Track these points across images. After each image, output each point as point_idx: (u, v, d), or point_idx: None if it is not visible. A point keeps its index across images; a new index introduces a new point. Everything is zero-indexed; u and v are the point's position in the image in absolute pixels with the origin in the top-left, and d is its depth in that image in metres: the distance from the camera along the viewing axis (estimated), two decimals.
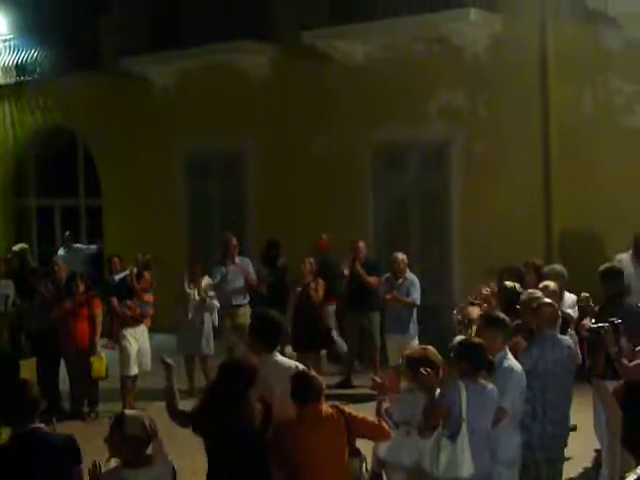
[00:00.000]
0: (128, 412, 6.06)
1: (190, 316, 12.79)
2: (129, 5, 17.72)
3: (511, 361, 7.03)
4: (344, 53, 15.31)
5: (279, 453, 6.07)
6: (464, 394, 6.43)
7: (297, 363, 6.82)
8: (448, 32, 14.17)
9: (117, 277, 12.68)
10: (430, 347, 7.16)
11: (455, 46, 14.29)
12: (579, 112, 13.55)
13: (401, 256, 12.35)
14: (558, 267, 10.47)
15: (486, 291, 10.26)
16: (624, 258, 12.03)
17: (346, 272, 13.07)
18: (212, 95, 16.78)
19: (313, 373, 6.35)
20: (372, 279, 12.89)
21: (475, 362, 6.60)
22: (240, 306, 13.33)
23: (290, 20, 15.65)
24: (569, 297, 9.99)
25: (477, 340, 6.91)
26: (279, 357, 6.89)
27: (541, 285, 9.39)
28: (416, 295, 12.20)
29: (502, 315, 7.43)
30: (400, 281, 12.26)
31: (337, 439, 6.13)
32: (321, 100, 15.64)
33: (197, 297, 12.83)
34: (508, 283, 9.55)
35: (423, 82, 14.46)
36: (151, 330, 12.75)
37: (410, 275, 12.32)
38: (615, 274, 9.29)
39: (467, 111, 14.38)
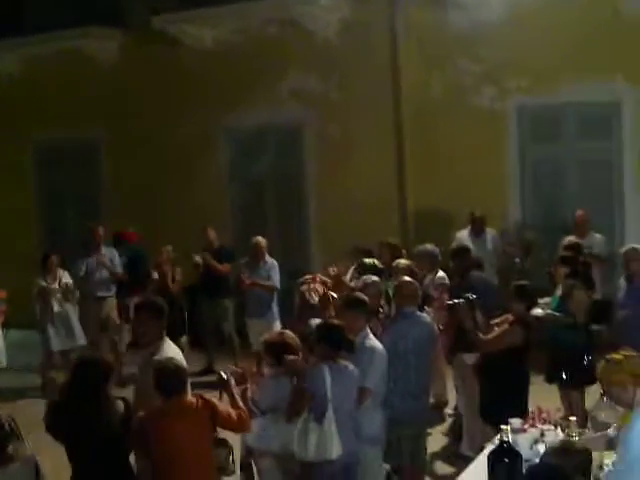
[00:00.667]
0: None
1: (55, 310, 12.44)
2: None
3: (372, 341, 7.12)
4: (195, 38, 15.14)
5: (144, 446, 5.99)
6: (328, 376, 6.46)
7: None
8: (299, 15, 14.18)
9: None
10: (287, 331, 7.20)
11: (307, 29, 14.32)
12: (429, 94, 13.79)
13: (261, 240, 12.30)
14: (429, 246, 10.60)
15: (333, 271, 10.47)
16: (463, 235, 12.40)
17: (198, 260, 12.94)
18: (61, 83, 16.35)
19: (178, 364, 6.28)
20: (223, 266, 12.85)
21: (335, 343, 6.65)
22: (106, 298, 13.08)
23: (139, 5, 15.39)
24: (442, 276, 10.19)
25: (336, 321, 6.95)
26: None
27: (393, 263, 9.59)
28: (276, 278, 12.16)
29: (362, 296, 7.50)
30: (260, 265, 12.22)
31: (201, 430, 6.08)
32: (173, 86, 15.43)
33: (58, 290, 12.48)
34: (367, 260, 9.66)
35: (276, 65, 14.43)
36: (5, 326, 12.41)
37: (270, 259, 12.29)
38: (464, 251, 9.59)
39: (320, 94, 14.44)
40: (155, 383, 6.04)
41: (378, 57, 14.00)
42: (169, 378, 6.04)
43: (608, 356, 5.28)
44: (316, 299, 8.94)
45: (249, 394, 6.76)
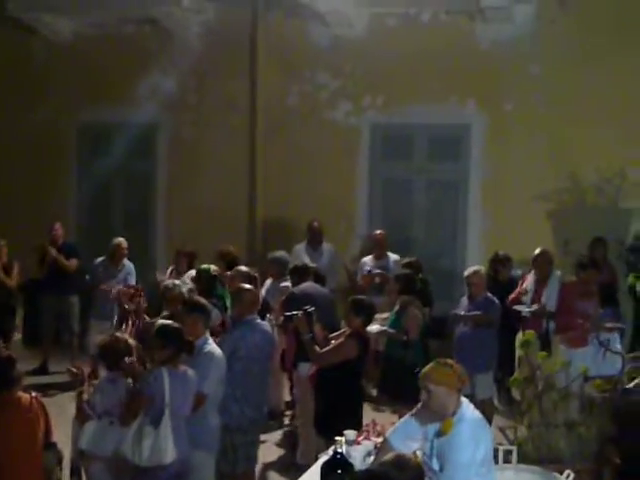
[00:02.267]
0: None
1: None
2: None
3: (211, 346, 7.11)
4: (51, 28, 14.76)
5: None
6: (167, 380, 6.40)
7: None
8: (160, 15, 14.02)
9: None
10: (119, 334, 7.16)
11: (167, 30, 14.18)
12: (286, 103, 13.90)
13: (122, 242, 12.06)
14: (280, 254, 10.94)
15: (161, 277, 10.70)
16: (299, 248, 12.50)
17: (52, 251, 12.58)
18: None
19: (11, 359, 6.12)
20: (70, 262, 12.55)
21: (175, 347, 6.60)
22: None
23: None
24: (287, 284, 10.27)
25: (176, 324, 6.90)
26: None
27: (232, 270, 9.67)
28: (133, 282, 11.76)
29: (203, 300, 7.50)
30: (119, 267, 11.98)
31: (31, 430, 5.97)
32: (27, 75, 15.01)
33: None
34: (204, 266, 9.67)
35: (133, 64, 14.20)
36: None
37: (127, 262, 12.05)
38: (304, 268, 9.75)
39: (176, 96, 14.32)
40: None
41: (237, 63, 14.01)
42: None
43: (439, 359, 5.40)
44: (132, 306, 9.14)
45: (85, 397, 6.64)
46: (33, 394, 6.24)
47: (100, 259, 12.14)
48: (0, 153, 15.18)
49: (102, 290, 11.66)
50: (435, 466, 5.27)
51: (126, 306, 9.33)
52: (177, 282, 9.00)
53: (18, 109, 15.02)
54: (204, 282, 9.27)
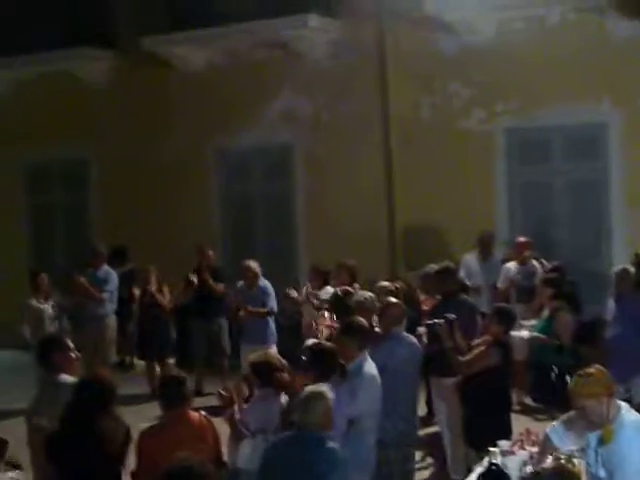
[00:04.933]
0: None
1: (46, 329, 12.30)
2: None
3: (367, 366, 7.08)
4: (184, 60, 15.21)
5: (144, 458, 6.02)
6: None
7: None
8: (288, 38, 14.27)
9: None
10: (270, 351, 7.24)
11: (296, 51, 14.40)
12: (418, 116, 13.89)
13: (252, 264, 12.07)
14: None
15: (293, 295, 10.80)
16: (469, 258, 12.42)
17: (193, 278, 12.90)
18: (52, 104, 16.35)
19: (182, 377, 6.32)
20: (219, 286, 12.81)
21: (327, 367, 6.64)
22: (105, 316, 13.10)
23: (129, 26, 15.44)
24: None
25: (329, 345, 6.95)
26: None
27: (378, 285, 9.65)
28: (272, 303, 11.97)
29: (359, 321, 7.47)
30: (254, 290, 12.01)
31: (200, 446, 6.08)
32: (163, 107, 15.47)
33: (49, 310, 12.44)
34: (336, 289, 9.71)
35: (265, 88, 14.46)
36: None
37: (263, 282, 12.05)
38: (451, 272, 9.59)
39: (309, 116, 14.51)
40: (158, 395, 6.14)
41: (367, 79, 14.09)
42: (172, 390, 6.08)
43: (580, 371, 5.32)
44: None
45: (237, 416, 6.76)
46: (203, 413, 6.39)
47: (239, 284, 12.27)
48: (142, 181, 15.72)
49: (241, 316, 11.91)
50: (602, 474, 5.18)
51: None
52: (370, 295, 8.91)
53: (157, 138, 15.48)
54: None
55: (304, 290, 11.93)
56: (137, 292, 13.42)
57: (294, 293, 11.77)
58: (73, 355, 6.89)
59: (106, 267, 13.32)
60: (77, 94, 16.22)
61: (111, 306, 13.22)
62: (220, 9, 14.43)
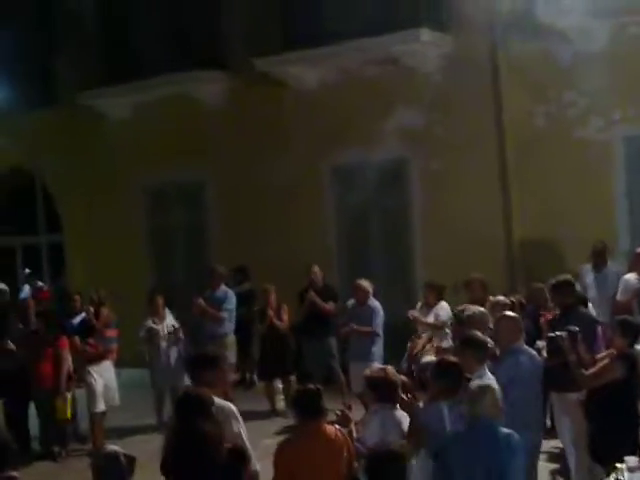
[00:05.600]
0: (105, 448, 5.99)
1: (160, 349, 12.66)
2: (83, 40, 17.68)
3: (490, 380, 7.03)
4: (297, 79, 15.38)
5: (281, 469, 6.14)
6: (446, 413, 6.45)
7: None
8: (400, 53, 14.29)
9: (78, 316, 12.57)
10: (389, 367, 7.23)
11: (408, 66, 14.40)
12: (533, 125, 13.73)
13: (364, 283, 12.15)
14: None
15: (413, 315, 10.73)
16: (586, 268, 12.22)
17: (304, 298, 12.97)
18: (169, 126, 16.75)
19: (317, 390, 6.41)
20: (328, 305, 12.85)
21: (453, 381, 6.64)
22: (225, 335, 13.33)
23: (243, 48, 15.69)
24: None
25: (453, 359, 6.95)
26: None
27: (493, 299, 9.56)
28: (377, 323, 12.01)
29: (477, 335, 7.44)
30: (363, 309, 12.09)
31: (335, 459, 6.21)
32: (277, 126, 15.67)
33: (164, 330, 12.73)
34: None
35: (378, 103, 14.51)
36: (118, 365, 12.70)
37: (373, 302, 12.10)
38: (569, 285, 9.43)
39: (422, 130, 14.47)
40: (294, 406, 6.28)
41: (480, 91, 14.00)
42: (308, 402, 6.19)
43: None
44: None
45: (354, 434, 6.78)
46: (337, 427, 6.45)
47: (350, 302, 12.33)
48: (258, 200, 15.93)
49: (345, 332, 11.98)
50: None
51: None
52: (480, 309, 8.87)
53: (272, 157, 15.66)
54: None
55: (418, 306, 11.93)
56: (257, 311, 13.59)
57: (415, 313, 11.77)
58: (226, 374, 6.95)
59: (224, 287, 13.59)
60: (193, 116, 16.56)
61: (230, 325, 13.46)
62: (331, 28, 14.56)
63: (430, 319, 11.48)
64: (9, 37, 18.28)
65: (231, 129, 16.21)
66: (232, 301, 13.56)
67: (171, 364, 12.69)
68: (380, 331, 12.03)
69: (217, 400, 6.37)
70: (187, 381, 12.24)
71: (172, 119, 16.65)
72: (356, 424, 6.86)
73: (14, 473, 5.67)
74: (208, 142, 16.41)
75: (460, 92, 14.08)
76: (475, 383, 6.20)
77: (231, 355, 13.31)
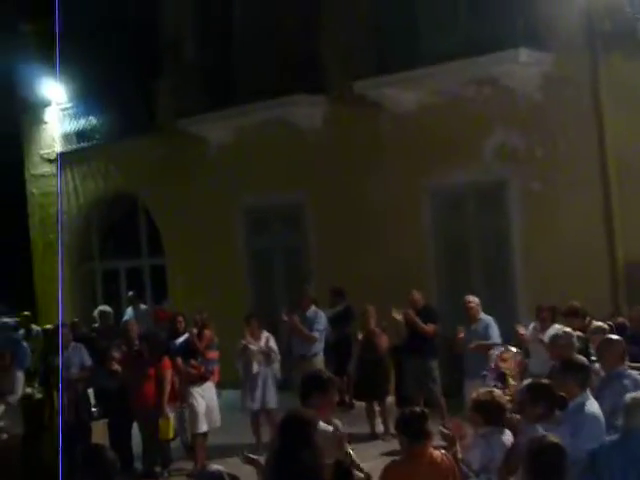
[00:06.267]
0: (209, 468, 6.03)
1: (254, 370, 12.76)
2: (182, 66, 18.06)
3: (590, 405, 6.91)
4: (395, 101, 15.39)
5: None
6: None
7: None
8: (498, 74, 14.18)
9: (181, 338, 12.76)
10: (495, 389, 7.15)
11: (506, 87, 14.28)
12: (636, 143, 13.43)
13: (472, 299, 12.09)
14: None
15: (522, 330, 10.52)
16: None
17: (398, 317, 12.88)
18: (268, 150, 16.97)
19: (424, 413, 6.40)
20: (428, 327, 12.78)
21: (549, 404, 6.56)
22: (315, 355, 13.40)
23: (340, 71, 15.81)
24: None
25: (545, 381, 6.85)
26: None
27: (594, 324, 9.42)
28: (495, 335, 11.85)
29: (578, 359, 7.32)
30: (475, 326, 12.00)
31: None
32: (375, 148, 15.73)
33: (259, 351, 12.82)
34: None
35: (476, 124, 14.46)
36: (219, 386, 12.83)
37: (485, 317, 12.03)
38: None
39: (522, 151, 14.34)
40: (401, 428, 6.26)
41: (581, 111, 13.79)
42: (416, 425, 6.17)
43: None
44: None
45: (459, 455, 6.72)
46: (442, 451, 6.41)
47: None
48: (356, 222, 15.99)
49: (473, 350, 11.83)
50: None
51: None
52: (568, 331, 8.79)
53: (371, 179, 15.75)
54: None
55: (530, 328, 11.74)
56: (355, 332, 13.63)
57: (522, 330, 11.62)
58: (334, 398, 6.96)
59: (314, 308, 13.71)
60: (293, 139, 16.74)
61: (320, 346, 13.59)
62: (427, 49, 14.56)
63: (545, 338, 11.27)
64: (111, 65, 18.80)
65: (329, 151, 16.32)
66: (322, 321, 13.73)
67: (263, 385, 12.78)
68: (499, 342, 11.70)
69: (322, 424, 6.37)
70: (275, 403, 12.53)
71: (272, 142, 16.85)
72: (463, 445, 6.81)
73: None
74: (307, 164, 16.56)
75: (560, 111, 13.92)
76: (630, 395, 6.26)
77: None
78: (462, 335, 12.00)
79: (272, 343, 12.94)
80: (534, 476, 5.48)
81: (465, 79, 14.53)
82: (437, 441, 6.71)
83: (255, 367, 12.74)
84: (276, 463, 5.90)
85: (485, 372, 10.41)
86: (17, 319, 17.95)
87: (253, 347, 12.81)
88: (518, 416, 6.78)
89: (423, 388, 12.85)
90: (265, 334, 12.99)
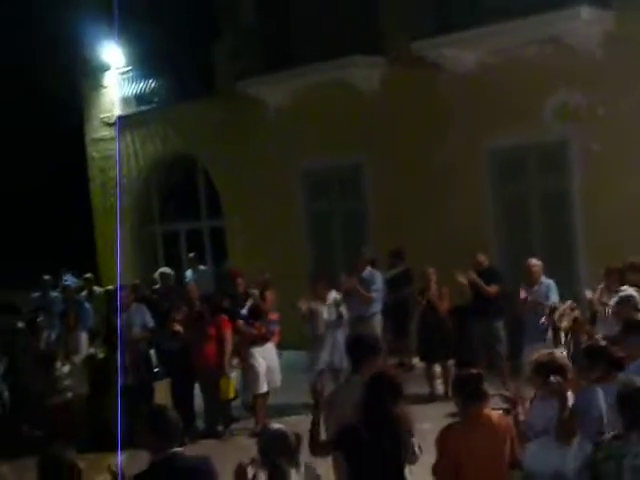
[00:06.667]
0: (272, 426, 6.13)
1: (320, 332, 12.79)
2: (240, 29, 18.07)
3: None
4: (454, 61, 15.24)
5: (446, 454, 6.17)
6: (601, 398, 6.34)
7: None
8: (560, 32, 13.96)
9: (246, 305, 12.85)
10: (557, 351, 7.12)
11: (568, 45, 14.06)
12: None
13: (534, 262, 12.07)
14: None
15: (589, 294, 10.39)
16: None
17: (462, 279, 12.84)
18: (326, 112, 16.93)
19: (480, 374, 6.40)
20: (491, 288, 12.76)
21: (604, 365, 6.52)
22: (372, 316, 13.46)
23: (398, 32, 15.68)
24: None
25: (603, 343, 6.81)
26: None
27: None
28: (554, 298, 11.81)
29: None
30: (536, 288, 11.97)
31: (499, 445, 6.20)
32: (434, 109, 15.62)
33: (325, 313, 12.87)
34: None
35: (537, 84, 14.28)
36: (279, 347, 12.94)
37: (546, 280, 12.00)
38: None
39: (584, 110, 14.13)
40: (457, 391, 6.27)
41: None
42: (471, 388, 6.20)
43: None
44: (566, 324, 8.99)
45: (521, 418, 6.71)
46: (500, 412, 6.44)
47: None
48: (415, 184, 15.94)
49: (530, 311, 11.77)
50: None
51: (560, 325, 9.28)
52: (631, 292, 8.71)
53: (429, 141, 15.66)
54: None
55: (598, 291, 11.62)
56: (416, 294, 13.64)
57: (589, 294, 11.52)
58: (380, 360, 7.03)
59: (370, 269, 13.76)
60: (351, 101, 16.68)
61: (377, 306, 13.70)
62: (486, 8, 14.39)
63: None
64: (169, 29, 18.88)
65: (388, 113, 16.25)
66: (379, 282, 13.80)
67: (330, 346, 12.79)
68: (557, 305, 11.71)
69: None
70: (342, 364, 12.57)
71: (330, 104, 16.81)
72: (525, 408, 6.80)
73: (180, 449, 5.87)
74: (365, 126, 16.50)
75: (622, 70, 13.68)
76: None
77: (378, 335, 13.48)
78: (524, 296, 11.95)
79: (338, 303, 12.98)
80: (628, 421, 5.54)
81: (526, 38, 14.32)
82: (498, 404, 6.74)
83: (321, 329, 12.78)
84: (364, 412, 5.97)
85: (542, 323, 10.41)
86: (80, 281, 18.24)
87: (318, 308, 12.84)
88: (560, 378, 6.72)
89: (488, 349, 12.86)
90: (332, 294, 13.03)
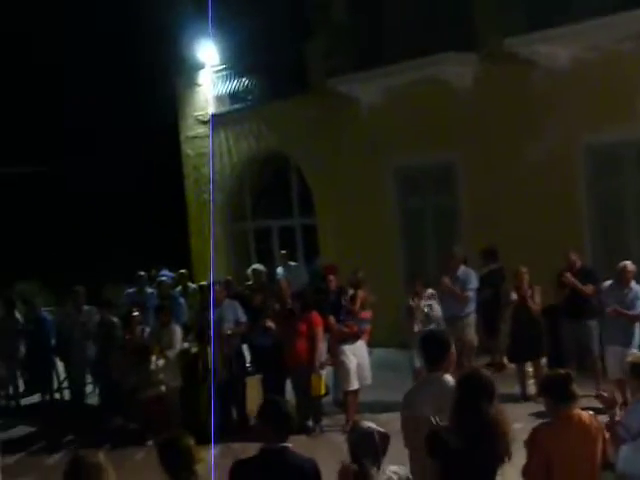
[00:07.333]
0: (361, 425, 6.17)
1: (416, 330, 12.74)
2: (332, 28, 18.14)
3: None
4: (548, 57, 15.03)
5: (537, 455, 6.14)
6: None
7: None
8: None
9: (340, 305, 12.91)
10: None
11: None
12: None
13: (630, 266, 11.88)
14: None
15: None
16: None
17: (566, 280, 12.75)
18: (418, 109, 16.89)
19: (569, 375, 6.35)
20: (587, 288, 12.61)
21: None
22: (467, 315, 13.42)
23: (490, 29, 15.56)
24: None
25: None
26: None
27: None
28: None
29: None
30: (625, 291, 11.80)
31: (590, 445, 6.15)
32: (528, 106, 15.45)
33: (422, 311, 12.85)
34: None
35: (633, 81, 14.03)
36: (370, 344, 12.98)
37: (636, 286, 11.83)
38: None
39: None
40: (548, 390, 6.26)
41: None
42: (563, 388, 6.16)
43: None
44: None
45: (617, 419, 6.65)
46: (591, 412, 6.37)
47: (609, 282, 12.04)
48: (509, 182, 15.78)
49: (611, 313, 11.62)
50: None
51: None
52: None
53: (523, 138, 15.47)
54: None
55: None
56: (509, 292, 13.52)
57: None
58: (454, 357, 7.01)
59: (464, 268, 13.66)
60: (444, 98, 16.60)
61: (472, 305, 13.56)
62: (580, 3, 14.18)
63: None
64: (263, 28, 19.06)
65: (480, 110, 16.14)
66: (474, 281, 13.66)
67: None
68: None
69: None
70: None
71: (422, 102, 16.76)
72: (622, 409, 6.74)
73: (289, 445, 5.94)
74: (458, 124, 16.42)
75: None
76: None
77: (472, 335, 13.41)
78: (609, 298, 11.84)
79: (434, 301, 12.97)
80: None
81: (621, 34, 14.08)
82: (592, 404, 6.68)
83: (417, 327, 12.77)
84: (457, 414, 5.95)
85: None
86: (174, 276, 18.54)
87: (415, 306, 12.83)
88: None
89: (581, 349, 12.71)
90: (429, 292, 13.01)
